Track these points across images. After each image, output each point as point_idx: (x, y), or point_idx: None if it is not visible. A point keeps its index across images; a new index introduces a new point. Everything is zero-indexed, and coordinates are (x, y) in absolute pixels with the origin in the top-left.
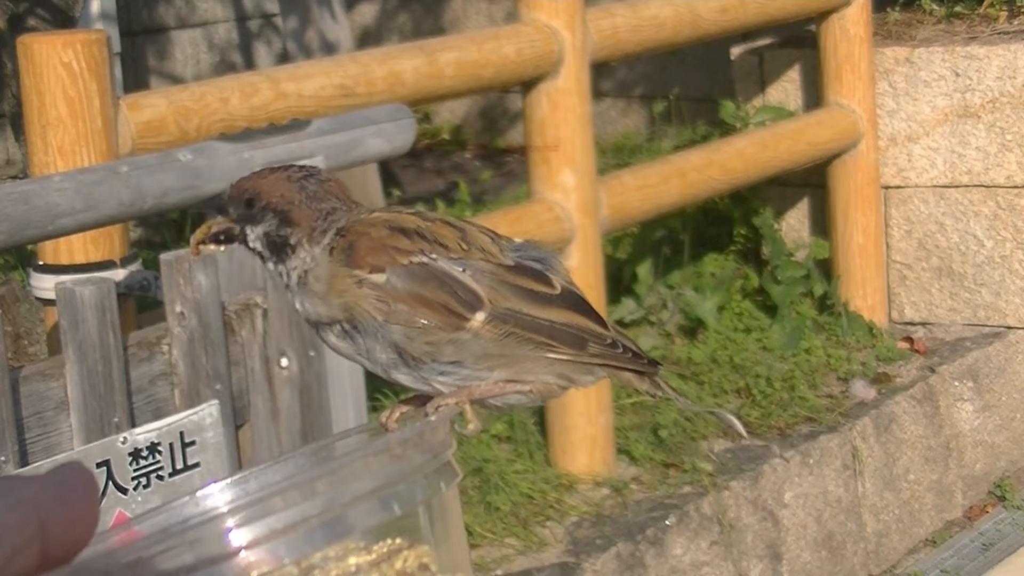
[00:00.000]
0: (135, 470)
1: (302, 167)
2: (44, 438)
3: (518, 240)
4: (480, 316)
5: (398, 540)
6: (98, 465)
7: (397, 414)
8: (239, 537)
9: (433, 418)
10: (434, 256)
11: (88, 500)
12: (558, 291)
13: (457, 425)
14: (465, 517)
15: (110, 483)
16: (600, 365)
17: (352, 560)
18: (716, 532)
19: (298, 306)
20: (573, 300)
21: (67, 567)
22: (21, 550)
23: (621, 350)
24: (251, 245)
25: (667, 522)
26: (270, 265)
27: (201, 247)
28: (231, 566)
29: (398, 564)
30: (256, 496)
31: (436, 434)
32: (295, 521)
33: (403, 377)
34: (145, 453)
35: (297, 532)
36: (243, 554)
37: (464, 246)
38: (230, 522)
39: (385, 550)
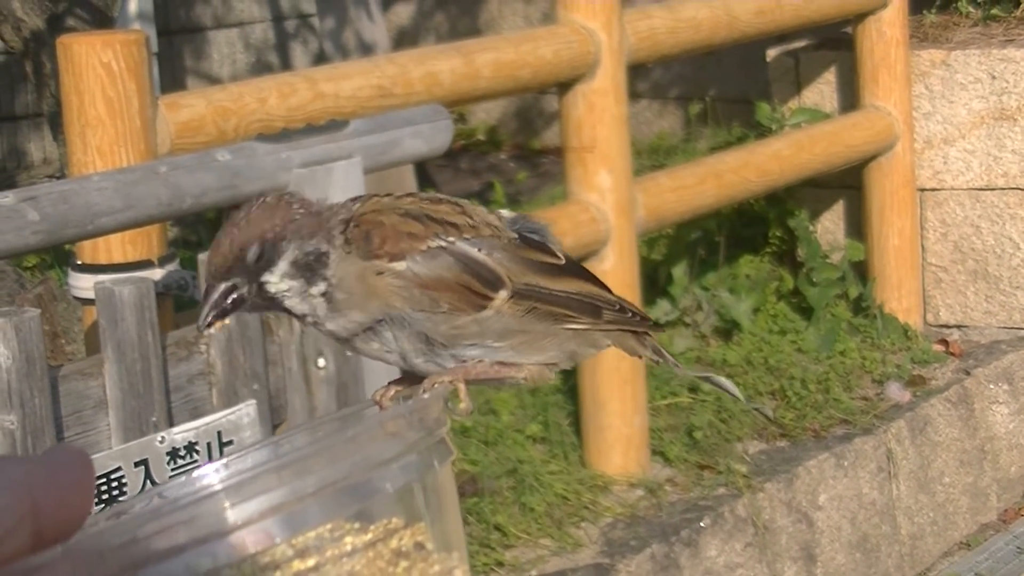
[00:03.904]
0: (173, 469)
1: (256, 200)
2: (83, 436)
3: (507, 213)
4: (503, 294)
5: (395, 520)
6: (136, 464)
7: (392, 392)
8: (232, 516)
9: (426, 396)
10: (451, 239)
11: (82, 482)
12: (563, 261)
13: (449, 403)
14: (500, 517)
15: (147, 482)
16: (613, 331)
17: (348, 540)
18: (750, 534)
19: (331, 328)
20: (577, 269)
21: (60, 548)
22: (13, 531)
23: (630, 314)
24: (273, 291)
25: (701, 524)
26: (295, 302)
27: (213, 327)
28: (224, 545)
29: (393, 543)
30: (249, 475)
31: (430, 411)
32: (288, 499)
33: (425, 364)
34: (183, 452)
35: (290, 510)
36: (236, 533)
37: (471, 221)
38: (223, 501)
39: (381, 530)
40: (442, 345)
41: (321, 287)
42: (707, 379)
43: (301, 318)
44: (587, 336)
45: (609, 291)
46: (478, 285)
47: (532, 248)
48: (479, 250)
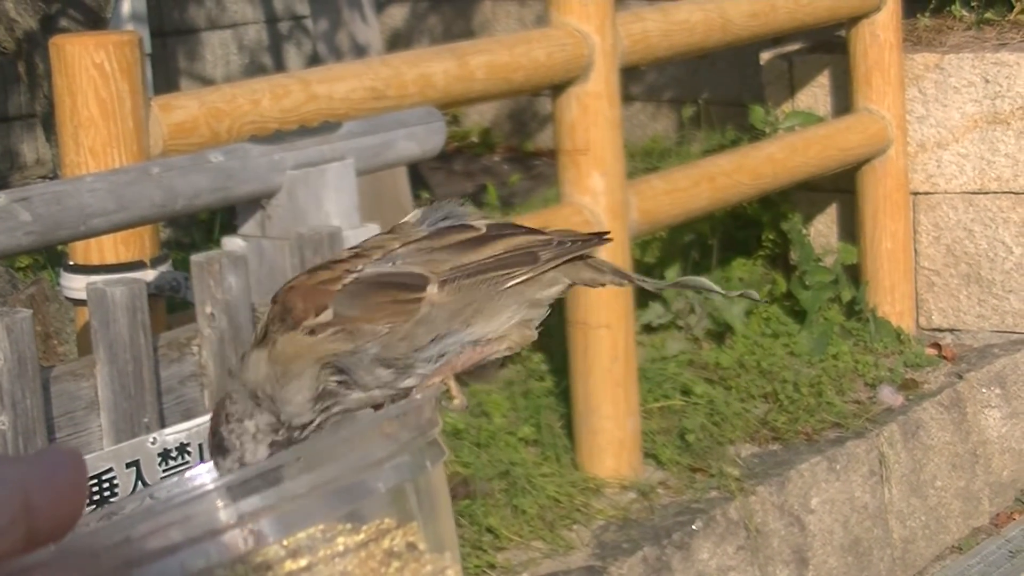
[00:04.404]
0: (164, 470)
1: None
2: (74, 437)
3: (416, 214)
4: (431, 288)
5: (387, 520)
6: (128, 465)
7: None
8: (225, 516)
9: (419, 396)
10: (360, 267)
11: (76, 481)
12: (483, 230)
13: (443, 402)
14: (492, 520)
15: (139, 483)
16: (561, 266)
17: (340, 540)
18: (743, 537)
19: (302, 417)
20: (501, 228)
21: (53, 547)
22: (7, 530)
23: (569, 243)
24: (258, 458)
25: (694, 526)
26: (259, 449)
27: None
28: (217, 544)
29: (385, 544)
30: (243, 475)
31: (422, 412)
32: (281, 500)
33: (409, 381)
34: (174, 454)
35: (283, 511)
36: (229, 533)
37: (373, 247)
38: (217, 500)
39: (374, 530)
40: (405, 358)
41: (263, 413)
42: (682, 285)
43: (304, 428)
44: (538, 282)
45: (541, 232)
46: (403, 294)
47: (447, 233)
48: (391, 264)
